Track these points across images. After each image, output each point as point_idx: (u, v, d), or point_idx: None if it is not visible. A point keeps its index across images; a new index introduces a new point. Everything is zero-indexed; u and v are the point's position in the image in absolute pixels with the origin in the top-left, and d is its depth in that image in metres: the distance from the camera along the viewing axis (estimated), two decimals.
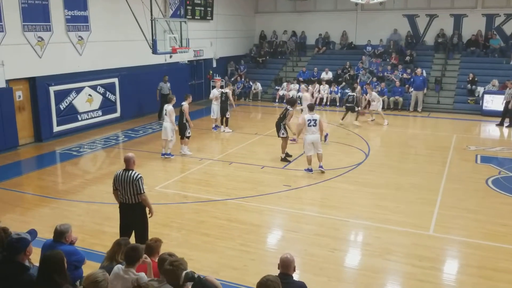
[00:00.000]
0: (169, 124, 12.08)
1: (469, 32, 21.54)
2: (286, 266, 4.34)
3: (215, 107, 15.39)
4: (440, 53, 21.73)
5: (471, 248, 7.35)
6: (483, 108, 18.33)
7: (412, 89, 19.25)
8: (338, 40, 24.31)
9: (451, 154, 12.73)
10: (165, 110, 12.24)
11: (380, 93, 19.77)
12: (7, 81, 12.85)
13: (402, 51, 21.96)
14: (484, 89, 18.69)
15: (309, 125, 10.76)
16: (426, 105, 19.48)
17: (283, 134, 11.98)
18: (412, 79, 19.63)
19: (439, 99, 19.75)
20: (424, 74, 19.62)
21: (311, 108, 11.31)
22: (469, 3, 21.64)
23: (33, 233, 4.50)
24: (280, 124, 12.01)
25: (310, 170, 10.95)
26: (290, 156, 12.11)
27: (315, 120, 10.78)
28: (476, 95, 19.10)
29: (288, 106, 12.18)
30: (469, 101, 19.16)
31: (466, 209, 8.85)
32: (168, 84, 17.07)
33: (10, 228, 4.80)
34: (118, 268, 4.45)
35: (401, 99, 19.55)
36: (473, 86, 19.24)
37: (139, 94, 17.48)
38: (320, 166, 10.99)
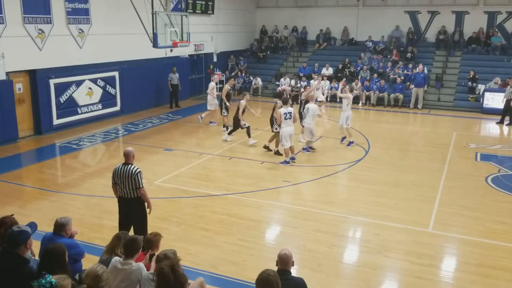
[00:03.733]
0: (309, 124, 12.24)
1: (471, 30, 21.48)
2: (285, 262, 4.34)
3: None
4: (441, 50, 21.69)
5: (470, 246, 7.37)
6: (484, 106, 18.32)
7: (413, 86, 19.23)
8: (339, 36, 24.25)
9: (451, 152, 12.73)
10: (307, 109, 12.12)
11: (381, 90, 19.81)
12: (7, 74, 12.82)
13: (404, 48, 21.90)
14: (485, 86, 18.67)
15: (285, 118, 11.13)
16: (426, 102, 19.47)
17: (276, 129, 12.03)
18: (412, 76, 19.60)
19: (439, 96, 19.73)
20: (425, 71, 19.59)
21: (285, 101, 11.51)
22: (471, 0, 21.57)
23: (33, 226, 4.51)
24: (272, 119, 12.24)
25: (288, 162, 11.27)
26: (271, 150, 12.25)
27: (290, 113, 11.22)
28: (477, 92, 19.08)
29: (277, 100, 12.31)
30: (469, 98, 19.15)
31: (465, 206, 8.86)
32: (177, 75, 18.05)
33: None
34: (116, 261, 4.47)
35: (401, 96, 19.52)
36: (474, 84, 19.21)
37: (140, 88, 17.46)
38: (293, 158, 11.51)
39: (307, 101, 12.59)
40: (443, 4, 22.02)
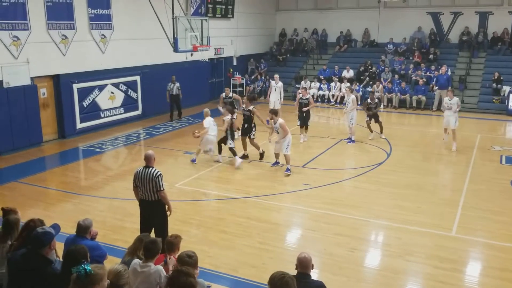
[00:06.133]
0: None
1: (495, 30, 21.05)
2: (304, 265, 4.31)
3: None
4: (465, 51, 21.30)
5: (494, 250, 7.20)
6: (509, 107, 17.93)
7: (437, 88, 18.90)
8: (360, 38, 24.08)
9: (475, 154, 12.47)
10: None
11: (403, 92, 19.55)
12: (32, 79, 13.13)
13: (426, 49, 21.58)
14: (510, 88, 18.26)
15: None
16: None
17: (254, 135, 11.93)
18: (435, 78, 19.31)
19: (463, 98, 19.33)
20: (449, 72, 19.27)
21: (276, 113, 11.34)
22: (495, 0, 21.15)
23: (56, 227, 4.57)
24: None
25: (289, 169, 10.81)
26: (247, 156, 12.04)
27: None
28: (502, 94, 18.68)
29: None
30: (494, 100, 18.76)
31: (489, 210, 8.67)
32: (177, 84, 16.72)
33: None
34: (135, 263, 4.51)
35: (424, 98, 19.24)
36: (499, 85, 18.82)
37: (161, 92, 17.60)
38: (278, 163, 11.35)
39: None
40: (466, 5, 21.65)
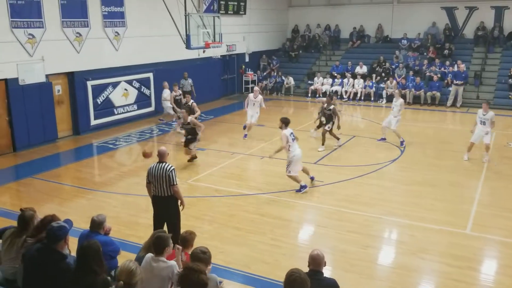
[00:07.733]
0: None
1: (511, 25, 20.68)
2: (317, 263, 4.29)
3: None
4: (480, 47, 20.98)
5: (510, 248, 7.11)
6: None
7: (455, 81, 18.61)
8: (373, 34, 23.86)
9: (491, 151, 12.26)
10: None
11: (417, 88, 19.34)
12: (47, 76, 13.27)
13: (441, 45, 21.31)
14: None
15: (293, 140, 9.45)
16: (465, 101, 18.88)
17: (193, 146, 11.43)
18: (450, 74, 19.07)
19: (478, 94, 19.10)
20: (464, 68, 19.02)
21: (286, 123, 9.53)
22: None
23: (69, 222, 4.64)
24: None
25: (305, 187, 9.51)
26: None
27: (292, 133, 9.56)
28: None
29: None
30: (510, 96, 18.47)
31: (505, 208, 8.54)
32: (190, 80, 16.46)
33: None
34: (148, 258, 4.54)
35: (438, 94, 19.02)
36: None
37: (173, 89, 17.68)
38: (312, 177, 9.91)
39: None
40: None
